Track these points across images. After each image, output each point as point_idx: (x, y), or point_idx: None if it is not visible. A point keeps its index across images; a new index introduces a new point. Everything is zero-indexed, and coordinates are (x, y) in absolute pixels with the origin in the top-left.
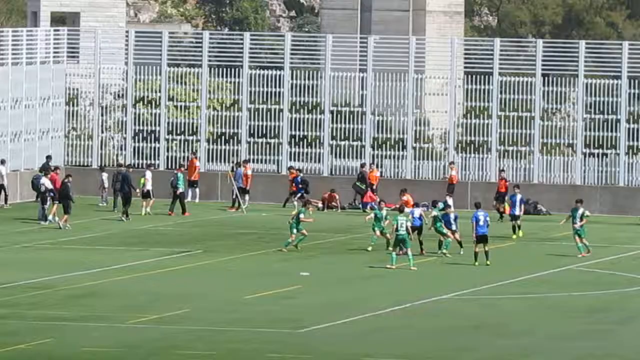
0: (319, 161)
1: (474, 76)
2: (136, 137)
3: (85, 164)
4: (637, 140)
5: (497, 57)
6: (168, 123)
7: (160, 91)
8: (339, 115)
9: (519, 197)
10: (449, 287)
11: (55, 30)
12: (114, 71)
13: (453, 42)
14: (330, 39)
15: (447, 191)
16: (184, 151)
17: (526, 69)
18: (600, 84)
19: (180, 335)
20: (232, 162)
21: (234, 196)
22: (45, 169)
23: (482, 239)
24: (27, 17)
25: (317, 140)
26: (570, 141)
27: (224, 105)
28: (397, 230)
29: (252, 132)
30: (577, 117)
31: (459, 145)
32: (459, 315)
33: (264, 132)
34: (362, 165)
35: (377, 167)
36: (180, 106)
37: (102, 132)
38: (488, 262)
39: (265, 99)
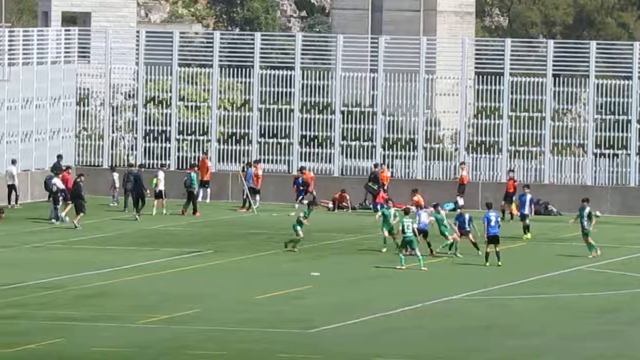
0: (330, 161)
1: (484, 76)
2: (147, 137)
3: (96, 164)
4: None
5: (508, 57)
6: (179, 123)
7: (171, 91)
8: (349, 116)
9: (528, 197)
10: (459, 288)
11: (66, 30)
12: (125, 71)
13: (464, 43)
14: (341, 39)
15: (457, 191)
16: (194, 151)
17: (537, 70)
18: (611, 84)
19: (191, 335)
20: (243, 162)
21: (245, 196)
22: (56, 168)
23: (493, 240)
24: (38, 17)
25: (328, 141)
26: (581, 142)
27: (234, 105)
28: (403, 232)
29: (262, 132)
30: (588, 118)
31: (470, 145)
32: (470, 316)
33: (275, 132)
34: (375, 166)
35: (387, 167)
36: (191, 106)
37: (113, 132)
38: (499, 263)
39: (276, 99)
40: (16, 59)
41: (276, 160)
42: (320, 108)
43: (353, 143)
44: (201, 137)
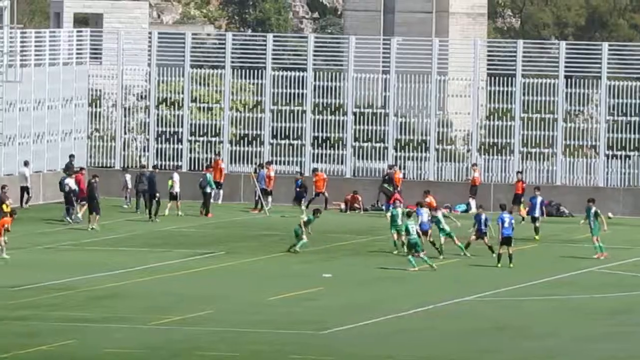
0: (342, 163)
1: (496, 78)
2: (159, 139)
3: (108, 165)
4: None
5: (520, 58)
6: (191, 124)
7: (183, 92)
8: (361, 117)
9: (539, 199)
10: (471, 289)
11: (78, 32)
12: (137, 72)
13: (476, 44)
14: (353, 40)
15: (469, 193)
16: (206, 153)
17: (549, 71)
18: (623, 85)
19: (203, 336)
20: (255, 163)
21: (257, 198)
22: (68, 168)
23: (506, 241)
24: (50, 18)
25: (340, 142)
26: (593, 143)
27: (246, 106)
28: (408, 234)
29: (274, 133)
30: (600, 119)
31: (482, 147)
32: (482, 317)
33: (287, 133)
34: (390, 167)
35: (400, 168)
36: (203, 107)
37: (125, 133)
38: (511, 265)
39: (288, 101)
40: (28, 61)
41: (288, 162)
42: (333, 109)
43: (365, 144)
44: (213, 139)
